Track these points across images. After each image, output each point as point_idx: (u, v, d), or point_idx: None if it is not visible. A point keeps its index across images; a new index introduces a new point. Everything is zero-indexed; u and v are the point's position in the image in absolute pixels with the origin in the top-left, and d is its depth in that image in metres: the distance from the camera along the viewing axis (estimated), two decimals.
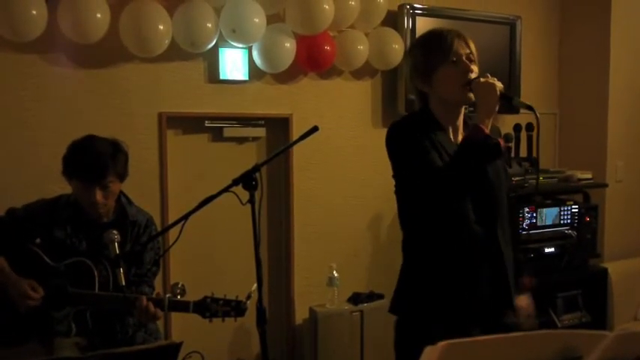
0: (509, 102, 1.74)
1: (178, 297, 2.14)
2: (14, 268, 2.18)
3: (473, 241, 1.77)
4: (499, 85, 1.71)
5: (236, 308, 2.10)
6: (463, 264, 1.77)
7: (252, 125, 3.14)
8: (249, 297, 2.07)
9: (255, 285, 1.87)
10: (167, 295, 2.13)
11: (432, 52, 1.78)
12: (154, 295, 2.21)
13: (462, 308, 1.76)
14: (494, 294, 1.81)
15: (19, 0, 2.41)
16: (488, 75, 1.74)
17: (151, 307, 2.08)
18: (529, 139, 3.46)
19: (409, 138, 1.77)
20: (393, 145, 1.81)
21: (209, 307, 2.09)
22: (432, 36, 1.82)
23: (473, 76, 1.75)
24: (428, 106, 1.84)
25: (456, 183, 1.69)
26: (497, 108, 1.72)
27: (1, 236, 2.21)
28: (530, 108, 1.71)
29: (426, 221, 1.80)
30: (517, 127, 3.50)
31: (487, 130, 1.68)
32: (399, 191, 1.87)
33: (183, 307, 2.11)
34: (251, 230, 1.87)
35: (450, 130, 1.83)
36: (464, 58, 1.76)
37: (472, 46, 1.80)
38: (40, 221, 2.23)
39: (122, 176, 2.23)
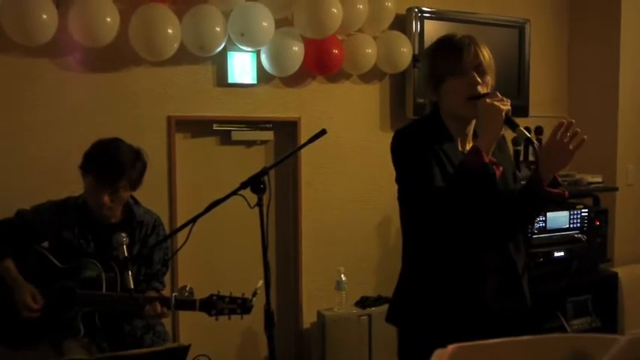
0: (512, 129, 1.64)
1: None
2: (23, 270, 2.19)
3: (476, 252, 1.71)
4: (505, 107, 1.61)
5: (242, 306, 2.11)
6: (466, 274, 1.70)
7: (261, 129, 3.14)
8: (255, 294, 2.07)
9: (261, 282, 1.88)
10: (174, 294, 2.14)
11: (440, 61, 1.69)
12: (162, 291, 2.24)
13: (466, 320, 1.67)
14: (507, 304, 1.75)
15: (30, 4, 2.43)
16: (497, 94, 1.65)
17: (159, 306, 2.10)
18: (538, 142, 3.44)
19: (412, 149, 1.70)
20: (396, 153, 1.75)
21: (215, 305, 2.10)
22: (442, 44, 1.72)
23: (481, 89, 1.66)
24: (438, 112, 1.76)
25: (451, 204, 1.62)
26: (500, 132, 1.64)
27: (11, 238, 2.22)
28: (529, 141, 1.67)
29: (427, 230, 1.73)
30: (526, 130, 3.47)
31: (486, 156, 1.58)
32: (402, 197, 1.80)
33: (189, 305, 2.12)
34: (259, 233, 1.88)
35: (459, 139, 1.76)
36: (473, 69, 1.65)
37: (486, 55, 1.68)
38: (48, 223, 2.24)
39: (135, 185, 2.26)
